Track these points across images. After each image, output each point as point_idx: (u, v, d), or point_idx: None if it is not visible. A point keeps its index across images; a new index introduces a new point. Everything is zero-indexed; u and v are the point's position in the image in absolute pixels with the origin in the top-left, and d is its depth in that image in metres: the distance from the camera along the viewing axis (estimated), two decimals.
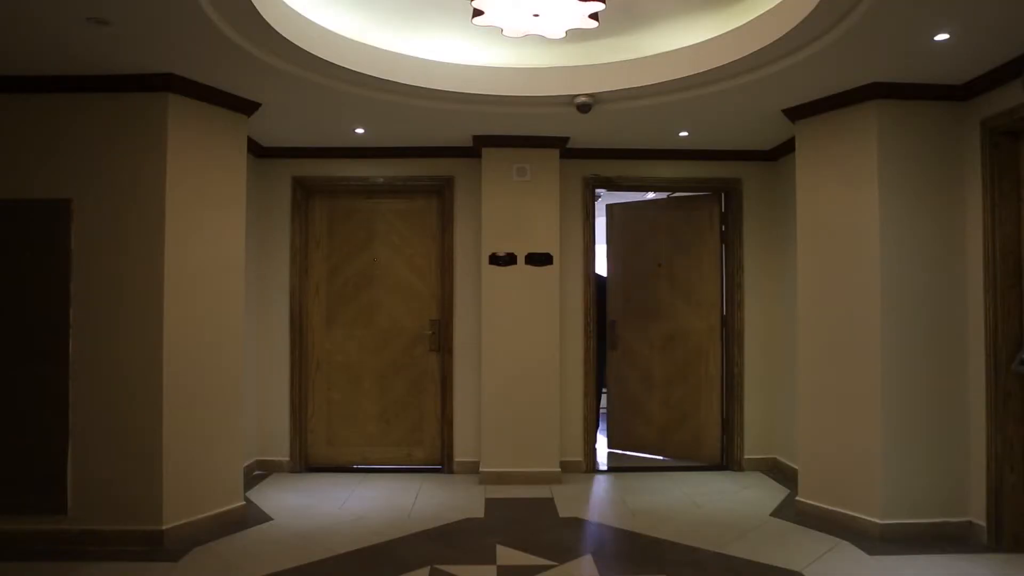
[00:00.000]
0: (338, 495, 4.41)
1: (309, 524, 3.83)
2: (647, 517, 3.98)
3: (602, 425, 6.03)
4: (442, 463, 5.07)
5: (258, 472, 4.95)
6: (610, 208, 5.72)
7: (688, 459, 5.26)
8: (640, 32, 3.69)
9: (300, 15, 3.26)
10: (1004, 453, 3.37)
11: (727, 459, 5.16)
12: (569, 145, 4.85)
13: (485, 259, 4.77)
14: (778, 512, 4.07)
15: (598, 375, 5.28)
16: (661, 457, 5.35)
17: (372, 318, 5.13)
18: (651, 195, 6.23)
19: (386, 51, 3.70)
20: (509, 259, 4.77)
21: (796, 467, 4.22)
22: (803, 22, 2.91)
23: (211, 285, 3.76)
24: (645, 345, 5.44)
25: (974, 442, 3.57)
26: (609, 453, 5.49)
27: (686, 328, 5.31)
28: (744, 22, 3.34)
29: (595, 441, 5.18)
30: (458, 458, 4.99)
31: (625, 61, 3.83)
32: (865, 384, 3.69)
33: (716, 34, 3.49)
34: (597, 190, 5.17)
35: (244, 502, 3.95)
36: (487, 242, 4.78)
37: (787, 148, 4.72)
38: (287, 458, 5.01)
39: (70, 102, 3.49)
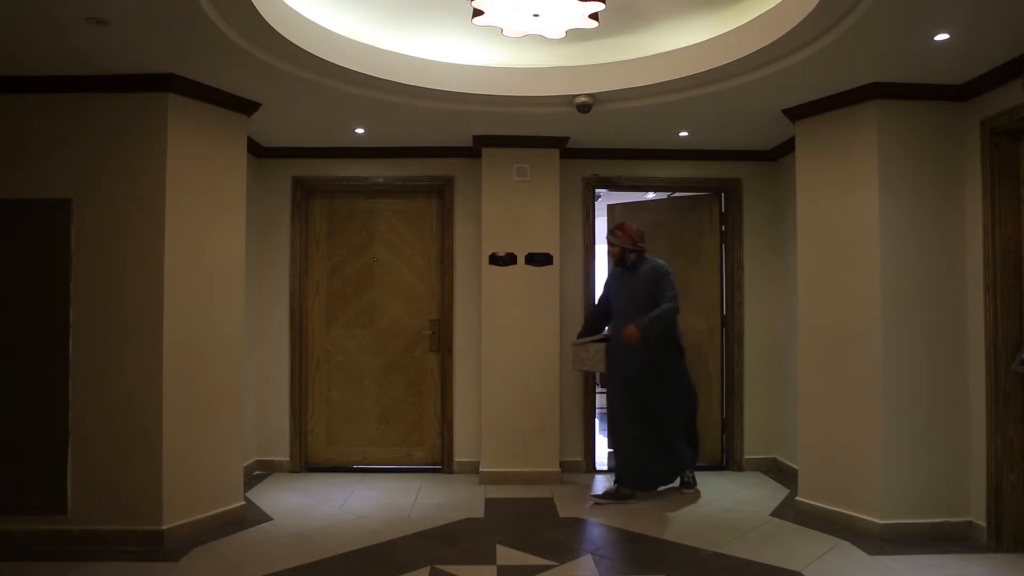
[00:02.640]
0: (338, 495, 4.41)
1: (309, 524, 3.83)
2: (647, 517, 3.98)
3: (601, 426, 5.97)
4: (442, 463, 5.07)
5: (258, 472, 4.95)
6: (611, 208, 5.68)
7: None
8: (640, 32, 3.69)
9: (300, 15, 3.26)
10: (1004, 453, 3.37)
11: (727, 459, 5.16)
12: (569, 145, 4.85)
13: (485, 259, 4.77)
14: (778, 512, 4.07)
15: None
16: None
17: (372, 318, 5.13)
18: (651, 195, 6.20)
19: (386, 51, 3.70)
20: (509, 259, 4.76)
21: (796, 467, 4.22)
22: (803, 22, 2.92)
23: (211, 285, 3.75)
24: None
25: (974, 442, 3.57)
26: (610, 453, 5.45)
27: (686, 328, 5.28)
28: (744, 22, 3.34)
29: (595, 441, 5.17)
30: (458, 458, 4.99)
31: (625, 61, 3.83)
32: (865, 384, 3.69)
33: (716, 34, 3.49)
34: (597, 190, 5.17)
35: (244, 502, 3.95)
36: (487, 242, 4.78)
37: (787, 148, 4.72)
38: (287, 458, 5.01)
39: (70, 102, 3.49)
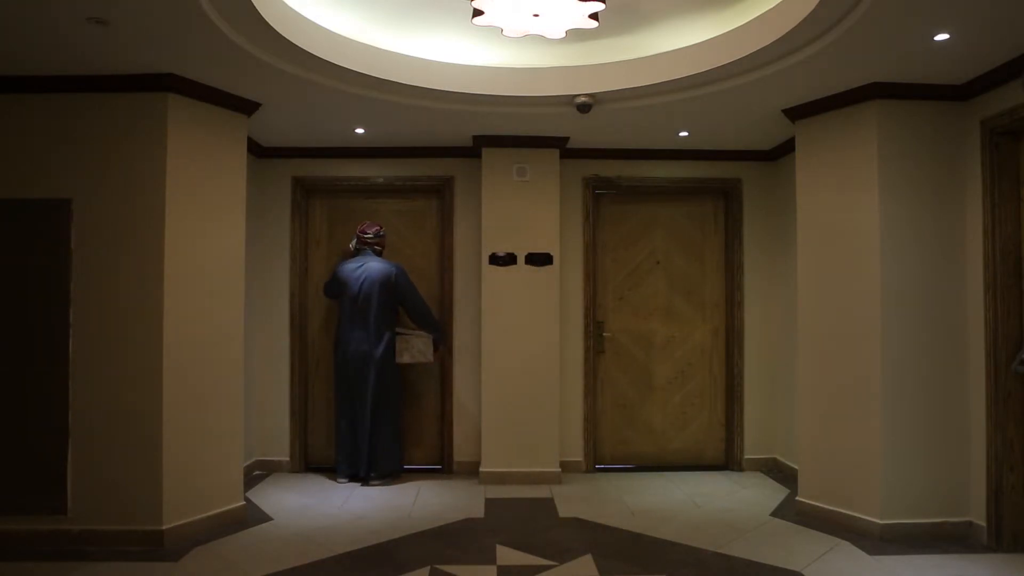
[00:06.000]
0: (338, 495, 4.40)
1: (309, 524, 3.83)
2: (647, 517, 3.98)
3: None
4: (442, 463, 5.07)
5: (258, 472, 4.95)
6: (598, 197, 5.27)
7: (689, 463, 5.18)
8: (640, 32, 3.69)
9: (300, 15, 3.26)
10: (1004, 453, 3.37)
11: (727, 459, 5.15)
12: (569, 145, 4.85)
13: (485, 259, 4.77)
14: (778, 512, 4.07)
15: None
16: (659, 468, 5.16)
17: None
18: None
19: (386, 51, 3.70)
20: (509, 259, 4.77)
21: (796, 467, 4.22)
22: (803, 22, 2.91)
23: (211, 285, 3.75)
24: (640, 346, 5.24)
25: (974, 442, 3.57)
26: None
27: (687, 328, 5.28)
28: (744, 22, 3.34)
29: (595, 440, 5.16)
30: (458, 458, 4.99)
31: (625, 61, 3.83)
32: (865, 384, 3.69)
33: (716, 34, 3.49)
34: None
35: (244, 502, 3.95)
36: (487, 242, 4.78)
37: (787, 148, 4.72)
38: (287, 458, 5.01)
39: (70, 102, 3.49)
